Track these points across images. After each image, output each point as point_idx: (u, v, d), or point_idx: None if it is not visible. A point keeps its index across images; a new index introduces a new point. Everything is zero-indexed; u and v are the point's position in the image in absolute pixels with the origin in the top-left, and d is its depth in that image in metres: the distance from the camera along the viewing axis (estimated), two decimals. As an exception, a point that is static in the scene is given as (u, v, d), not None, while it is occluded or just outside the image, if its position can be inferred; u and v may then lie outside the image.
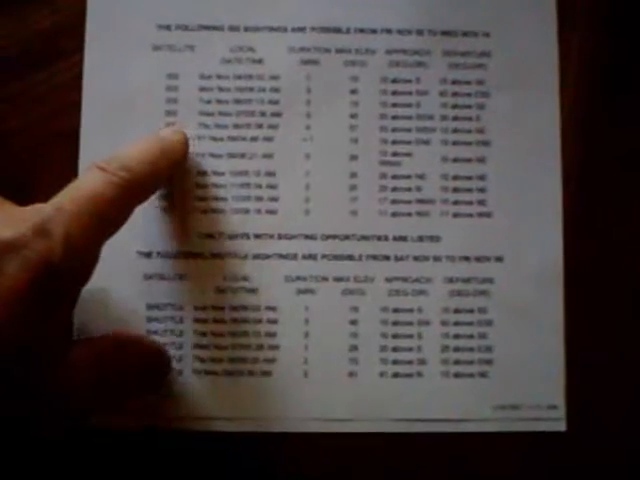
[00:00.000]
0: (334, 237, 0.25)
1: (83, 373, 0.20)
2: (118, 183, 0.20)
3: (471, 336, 0.25)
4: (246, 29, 0.26)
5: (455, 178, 0.26)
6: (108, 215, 0.20)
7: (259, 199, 0.25)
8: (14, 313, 0.18)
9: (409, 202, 0.26)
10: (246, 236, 0.25)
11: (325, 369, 0.25)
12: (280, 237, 0.25)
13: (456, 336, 0.25)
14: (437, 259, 0.25)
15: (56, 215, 0.19)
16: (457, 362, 0.25)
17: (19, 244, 0.18)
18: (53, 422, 0.20)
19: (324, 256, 0.25)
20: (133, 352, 0.22)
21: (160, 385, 0.24)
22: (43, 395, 0.19)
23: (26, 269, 0.18)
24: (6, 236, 0.18)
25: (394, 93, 0.26)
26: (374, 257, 0.25)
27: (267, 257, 0.25)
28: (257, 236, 0.25)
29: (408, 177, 0.26)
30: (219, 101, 0.26)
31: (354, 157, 0.26)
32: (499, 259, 0.25)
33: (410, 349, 0.25)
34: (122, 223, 0.21)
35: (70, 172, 0.25)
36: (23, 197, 0.21)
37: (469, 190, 0.26)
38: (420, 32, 0.26)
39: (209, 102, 0.26)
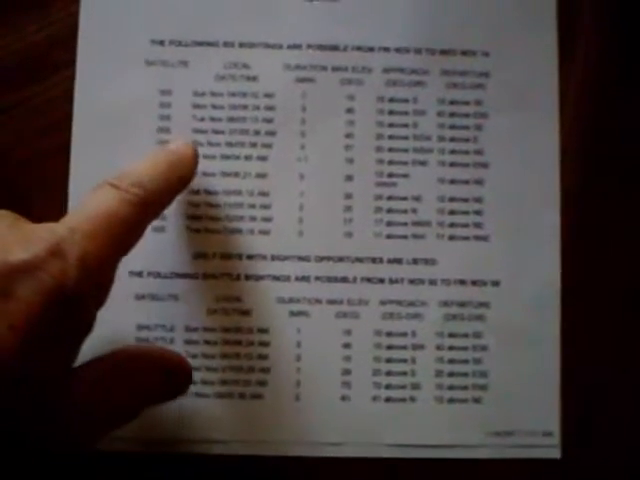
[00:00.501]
0: (328, 259, 0.25)
1: (91, 394, 0.19)
2: (132, 201, 0.20)
3: (466, 361, 0.25)
4: (241, 45, 0.25)
5: (452, 200, 0.25)
6: (123, 235, 0.20)
7: (252, 219, 0.25)
8: (27, 338, 0.17)
9: (405, 224, 0.25)
10: (239, 257, 0.25)
11: (317, 393, 0.25)
12: (273, 258, 0.25)
13: (450, 361, 0.25)
14: (432, 282, 0.25)
15: (71, 236, 0.18)
16: (451, 387, 0.25)
17: (33, 266, 0.17)
18: (61, 446, 0.19)
19: (318, 278, 0.25)
20: (147, 366, 0.21)
21: (181, 393, 0.22)
22: (51, 420, 0.18)
23: (40, 292, 0.17)
24: (20, 257, 0.17)
25: (391, 113, 0.25)
26: (368, 280, 0.25)
27: (260, 278, 0.25)
28: (250, 257, 0.25)
29: (404, 199, 0.25)
30: (213, 119, 0.25)
31: (349, 178, 0.25)
32: (495, 283, 0.25)
33: (404, 373, 0.25)
34: (136, 242, 0.21)
35: (62, 186, 0.25)
36: (16, 212, 0.20)
37: (466, 213, 0.25)
38: (418, 51, 0.26)
39: (202, 119, 0.25)
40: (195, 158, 0.23)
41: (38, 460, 0.19)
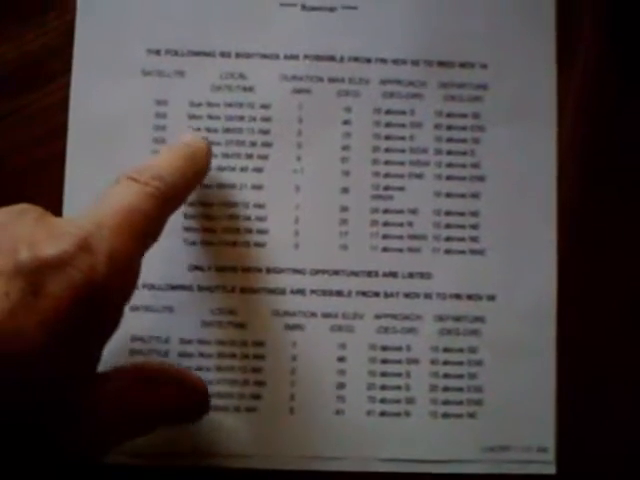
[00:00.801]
0: (323, 272, 0.25)
1: (114, 402, 0.19)
2: (153, 194, 0.20)
3: (461, 376, 0.25)
4: (237, 55, 0.25)
5: (448, 214, 0.25)
6: (147, 228, 0.20)
7: (248, 231, 0.25)
8: (56, 335, 0.17)
9: (400, 237, 0.25)
10: (234, 269, 0.25)
11: (311, 406, 0.24)
12: (268, 271, 0.25)
13: (445, 375, 0.25)
14: (428, 296, 0.25)
15: (98, 231, 0.18)
16: (446, 402, 0.25)
17: (62, 261, 0.17)
18: (77, 450, 0.19)
19: (313, 291, 0.25)
20: (165, 390, 0.21)
21: (195, 419, 0.22)
22: (73, 420, 0.18)
23: (69, 288, 0.17)
24: (49, 253, 0.17)
25: (387, 125, 0.25)
26: (364, 293, 0.25)
27: (255, 291, 0.25)
28: (245, 269, 0.25)
29: (400, 212, 0.25)
30: (209, 129, 0.25)
31: (345, 190, 0.25)
32: (491, 298, 0.25)
33: (398, 388, 0.25)
34: (159, 235, 0.21)
35: (57, 195, 0.25)
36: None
37: (462, 226, 0.25)
38: (416, 62, 0.25)
39: (198, 130, 0.25)
40: (209, 152, 0.23)
41: (52, 464, 0.18)
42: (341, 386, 0.24)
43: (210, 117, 0.25)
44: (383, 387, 0.25)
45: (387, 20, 0.25)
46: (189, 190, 0.22)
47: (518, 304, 0.25)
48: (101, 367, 0.20)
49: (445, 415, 0.25)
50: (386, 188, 0.25)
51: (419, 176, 0.25)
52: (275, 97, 0.25)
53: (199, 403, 0.22)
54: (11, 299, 0.16)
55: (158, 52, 0.25)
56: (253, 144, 0.25)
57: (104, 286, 0.18)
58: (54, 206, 0.25)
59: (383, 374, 0.25)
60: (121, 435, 0.20)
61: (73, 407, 0.18)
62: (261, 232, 0.25)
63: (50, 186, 0.25)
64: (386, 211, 0.25)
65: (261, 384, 0.24)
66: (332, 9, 0.25)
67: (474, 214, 0.25)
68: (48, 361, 0.17)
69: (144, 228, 0.19)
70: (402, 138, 0.25)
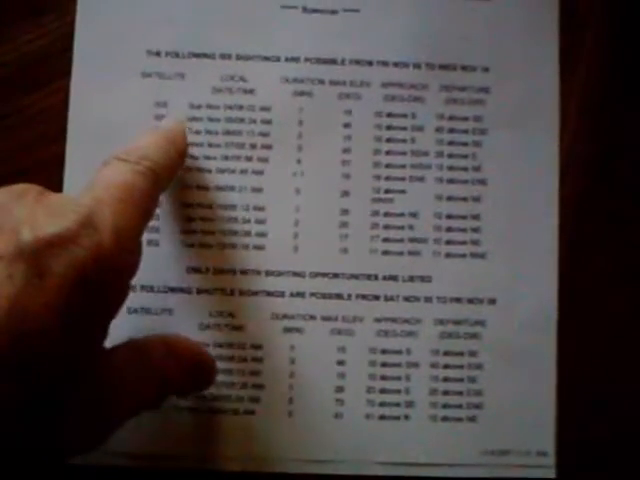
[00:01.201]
0: (323, 275, 0.25)
1: (128, 374, 0.19)
2: (144, 172, 0.20)
3: (461, 379, 0.25)
4: (238, 57, 0.25)
5: (449, 217, 0.25)
6: (144, 204, 0.20)
7: (247, 234, 0.25)
8: (63, 315, 0.17)
9: (401, 241, 0.25)
10: (233, 272, 0.25)
11: (310, 410, 0.24)
12: (268, 274, 0.25)
13: (445, 379, 0.25)
14: (428, 300, 0.25)
15: (99, 207, 0.18)
16: (446, 406, 0.25)
17: (65, 239, 0.17)
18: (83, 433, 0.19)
19: (312, 294, 0.25)
20: (183, 353, 0.21)
21: (205, 387, 0.23)
22: (82, 399, 0.18)
23: (75, 267, 0.17)
24: (51, 232, 0.17)
25: (389, 128, 0.25)
26: (363, 297, 0.25)
27: (254, 294, 0.25)
28: (244, 272, 0.25)
29: (401, 215, 0.25)
30: (208, 132, 0.25)
31: (346, 193, 0.25)
32: (492, 301, 0.25)
33: (398, 391, 0.25)
34: (154, 213, 0.21)
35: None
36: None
37: (463, 230, 0.25)
38: (417, 65, 0.25)
39: (198, 133, 0.25)
40: (185, 134, 0.23)
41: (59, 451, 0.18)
42: (340, 389, 0.24)
43: (210, 119, 0.25)
44: (383, 390, 0.25)
45: (389, 23, 0.25)
46: (175, 170, 0.22)
47: (519, 308, 0.25)
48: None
49: (445, 419, 0.25)
50: (387, 191, 0.25)
51: (420, 179, 0.25)
52: (275, 100, 0.25)
53: (207, 377, 0.22)
54: (15, 282, 0.16)
55: (158, 54, 0.25)
56: (253, 146, 0.25)
57: (110, 262, 0.18)
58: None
59: (383, 377, 0.25)
60: (128, 410, 0.20)
61: (82, 382, 0.18)
62: (260, 235, 0.25)
63: (50, 188, 0.24)
64: (387, 214, 0.25)
65: (259, 387, 0.24)
66: (334, 12, 0.25)
67: (475, 217, 0.25)
68: (56, 341, 0.17)
69: (142, 204, 0.19)
70: (403, 141, 0.25)
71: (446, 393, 0.25)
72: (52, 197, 0.19)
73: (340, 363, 0.24)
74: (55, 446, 0.18)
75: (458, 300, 0.25)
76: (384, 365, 0.25)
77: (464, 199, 0.25)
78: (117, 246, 0.18)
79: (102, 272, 0.17)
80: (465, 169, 0.25)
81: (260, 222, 0.25)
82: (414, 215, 0.25)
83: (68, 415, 0.18)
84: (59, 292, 0.17)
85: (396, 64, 0.25)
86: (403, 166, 0.25)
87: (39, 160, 0.25)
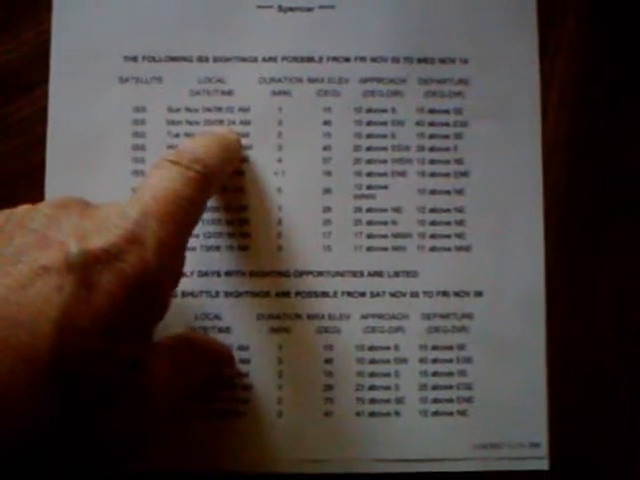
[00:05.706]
0: (308, 273, 0.25)
1: (162, 377, 0.20)
2: (194, 178, 0.20)
3: (450, 373, 0.25)
4: (215, 59, 0.25)
5: (432, 211, 0.25)
6: (190, 214, 0.20)
7: (230, 235, 0.25)
8: (110, 330, 0.17)
9: (385, 236, 0.25)
10: (217, 274, 0.25)
11: (300, 409, 0.24)
12: (252, 274, 0.25)
13: (435, 374, 0.25)
14: (414, 295, 0.25)
15: (144, 220, 0.18)
16: (436, 400, 0.24)
17: (112, 255, 0.17)
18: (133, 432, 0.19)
19: (298, 293, 0.25)
20: (203, 352, 0.22)
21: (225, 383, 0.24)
22: (132, 403, 0.19)
23: (121, 283, 0.17)
24: (97, 246, 0.17)
25: (369, 123, 0.25)
26: (349, 293, 0.25)
27: (239, 295, 0.24)
28: (228, 273, 0.25)
29: (384, 210, 0.25)
30: (188, 134, 0.25)
31: (327, 190, 0.25)
32: (478, 294, 0.25)
33: (387, 388, 0.24)
34: (199, 220, 0.20)
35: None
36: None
37: (447, 223, 0.25)
38: (395, 59, 0.25)
39: (177, 136, 0.25)
40: (240, 144, 0.24)
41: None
42: (329, 388, 0.24)
43: (189, 122, 0.25)
44: (372, 387, 0.24)
45: (365, 18, 0.25)
46: (225, 176, 0.22)
47: (506, 300, 0.25)
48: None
49: (435, 413, 0.24)
50: (369, 187, 0.25)
51: (402, 174, 0.25)
52: (254, 100, 0.25)
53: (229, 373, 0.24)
54: (64, 294, 0.16)
55: (135, 59, 0.25)
56: (233, 147, 0.25)
57: (154, 278, 0.18)
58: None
59: (372, 374, 0.24)
60: (176, 398, 0.20)
61: (131, 384, 0.18)
62: (244, 235, 0.25)
63: (31, 197, 0.25)
64: (370, 210, 0.25)
65: (248, 388, 0.24)
66: (309, 9, 0.25)
67: (459, 210, 0.25)
68: (99, 354, 0.17)
69: (188, 214, 0.19)
70: (384, 136, 0.25)
71: (436, 388, 0.24)
72: (97, 210, 0.19)
73: (328, 361, 0.24)
74: (98, 456, 0.18)
75: (445, 294, 0.25)
76: (372, 362, 0.24)
77: (447, 192, 0.25)
78: (160, 261, 0.18)
79: (146, 287, 0.18)
80: (447, 162, 0.25)
81: (243, 222, 0.25)
82: (397, 210, 0.25)
83: (108, 424, 0.18)
84: (104, 307, 0.17)
85: (374, 59, 0.25)
86: (384, 161, 0.25)
87: (20, 170, 0.25)
